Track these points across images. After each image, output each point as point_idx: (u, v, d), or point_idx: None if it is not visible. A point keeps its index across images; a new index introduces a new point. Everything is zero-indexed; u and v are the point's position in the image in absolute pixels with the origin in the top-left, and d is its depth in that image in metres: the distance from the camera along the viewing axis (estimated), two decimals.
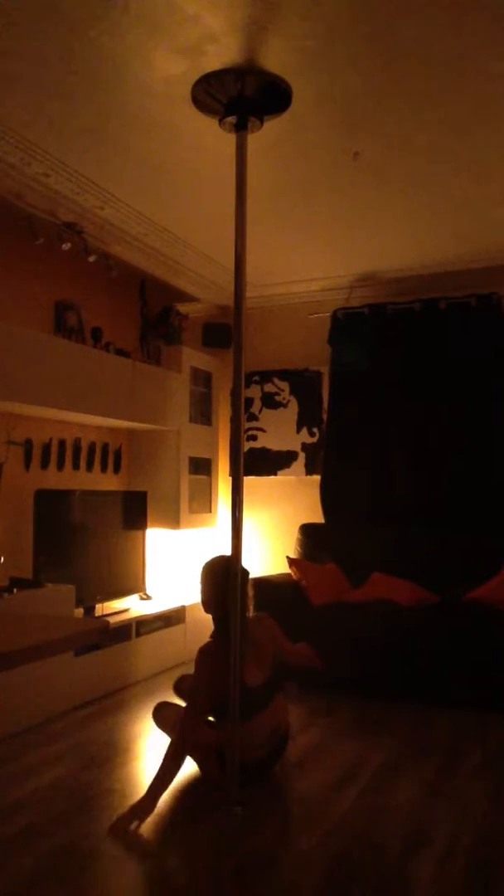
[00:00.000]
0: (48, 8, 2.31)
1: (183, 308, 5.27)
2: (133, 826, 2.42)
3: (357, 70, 2.61)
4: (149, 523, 4.87)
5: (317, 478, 5.11)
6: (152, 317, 5.09)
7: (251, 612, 2.81)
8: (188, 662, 4.17)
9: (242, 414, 2.84)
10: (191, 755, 2.76)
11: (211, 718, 2.79)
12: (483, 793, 2.74)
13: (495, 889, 2.10)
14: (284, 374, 5.31)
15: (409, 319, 4.84)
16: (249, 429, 5.37)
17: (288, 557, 4.62)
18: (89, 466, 4.62)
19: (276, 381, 5.33)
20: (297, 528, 5.00)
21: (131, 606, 4.61)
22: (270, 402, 5.35)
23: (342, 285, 5.07)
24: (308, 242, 4.37)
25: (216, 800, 2.61)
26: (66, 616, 3.57)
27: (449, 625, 3.86)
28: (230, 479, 3.43)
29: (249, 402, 5.36)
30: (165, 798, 2.56)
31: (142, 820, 2.45)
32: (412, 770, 2.95)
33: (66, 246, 3.98)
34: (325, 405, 5.15)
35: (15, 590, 3.48)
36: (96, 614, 4.23)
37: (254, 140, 2.88)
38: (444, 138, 3.09)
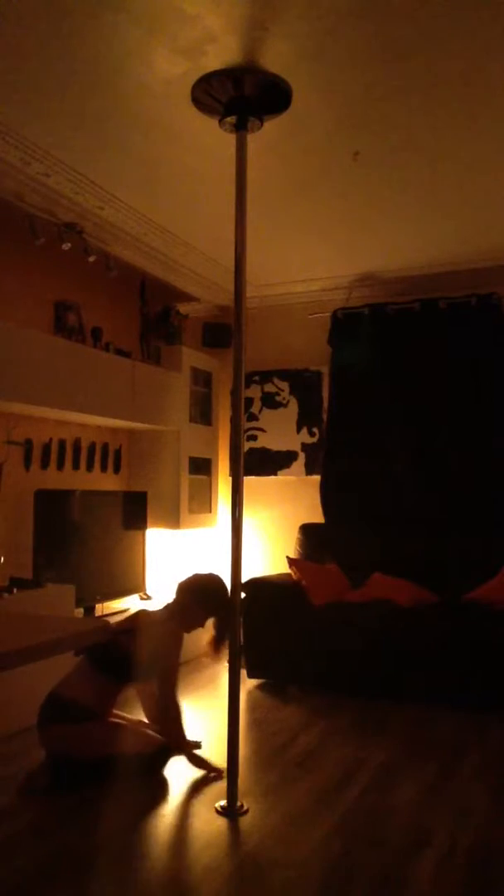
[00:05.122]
0: (48, 8, 2.31)
1: (183, 308, 5.27)
2: None
3: (357, 70, 2.61)
4: (149, 523, 4.88)
5: (317, 478, 5.11)
6: (152, 317, 5.08)
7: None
8: (188, 661, 4.17)
9: (242, 414, 2.84)
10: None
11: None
12: (483, 793, 2.74)
13: (495, 889, 2.10)
14: (284, 374, 5.31)
15: (409, 319, 4.83)
16: (249, 429, 5.37)
17: (288, 557, 4.61)
18: (89, 466, 4.62)
19: (276, 381, 5.33)
20: (297, 528, 5.00)
21: (131, 606, 4.60)
22: (270, 402, 5.35)
23: (342, 285, 5.07)
24: (308, 242, 4.37)
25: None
26: (66, 616, 3.57)
27: (449, 625, 3.86)
28: (230, 479, 3.43)
29: (249, 402, 5.36)
30: (165, 799, 2.56)
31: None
32: (412, 770, 2.95)
33: (66, 246, 3.99)
34: (325, 405, 5.15)
35: (15, 590, 3.48)
36: (96, 614, 4.23)
37: (254, 140, 2.88)
38: (445, 138, 3.09)
